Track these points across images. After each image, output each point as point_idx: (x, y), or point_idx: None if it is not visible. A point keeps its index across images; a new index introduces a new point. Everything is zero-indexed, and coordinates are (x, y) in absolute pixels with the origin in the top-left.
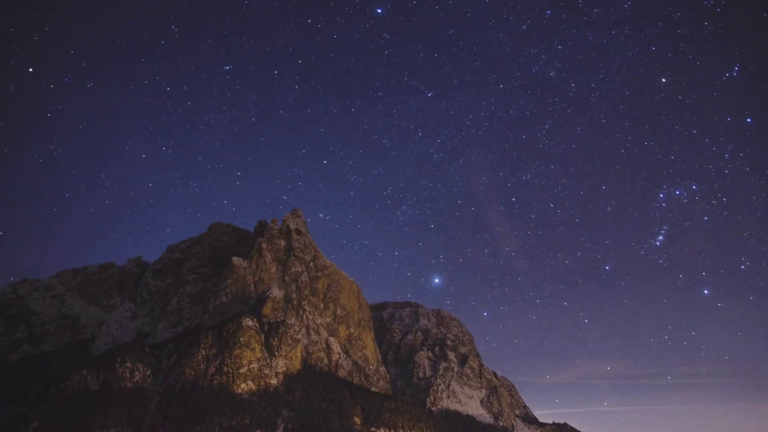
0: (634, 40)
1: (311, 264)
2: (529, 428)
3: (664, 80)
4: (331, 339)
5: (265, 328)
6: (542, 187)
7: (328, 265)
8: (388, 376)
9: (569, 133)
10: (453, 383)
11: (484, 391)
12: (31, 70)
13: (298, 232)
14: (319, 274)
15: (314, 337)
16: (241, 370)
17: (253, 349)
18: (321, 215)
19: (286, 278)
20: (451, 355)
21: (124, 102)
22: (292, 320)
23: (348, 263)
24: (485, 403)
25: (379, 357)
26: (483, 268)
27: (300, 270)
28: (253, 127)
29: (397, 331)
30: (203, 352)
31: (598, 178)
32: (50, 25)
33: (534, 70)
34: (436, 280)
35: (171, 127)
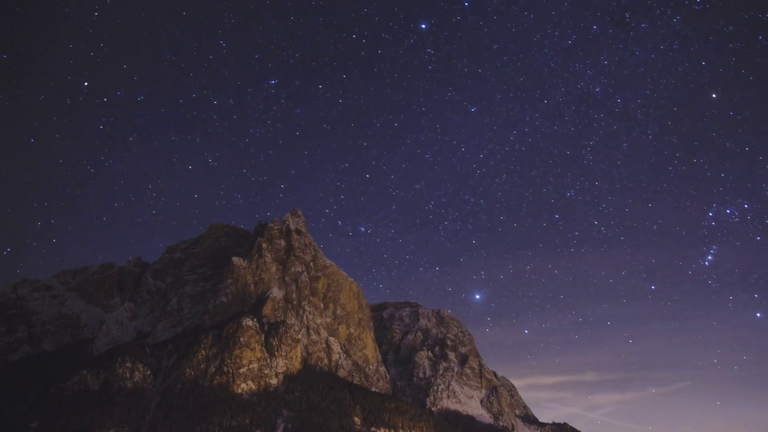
0: (683, 55)
1: (311, 264)
2: (529, 428)
3: (714, 96)
4: (331, 339)
5: (265, 328)
6: (586, 204)
7: (328, 265)
8: (388, 376)
9: (615, 149)
10: (453, 383)
11: (484, 391)
12: (86, 84)
13: (298, 232)
14: (319, 274)
15: (314, 337)
16: (241, 370)
17: (253, 349)
18: (362, 229)
19: (286, 278)
20: (451, 355)
21: (173, 115)
22: (292, 320)
23: (389, 278)
24: (485, 403)
25: (379, 357)
26: (525, 285)
27: (300, 270)
28: (298, 140)
29: (397, 331)
30: (203, 352)
31: (644, 196)
32: (105, 41)
33: (579, 86)
34: (477, 297)
35: (217, 139)
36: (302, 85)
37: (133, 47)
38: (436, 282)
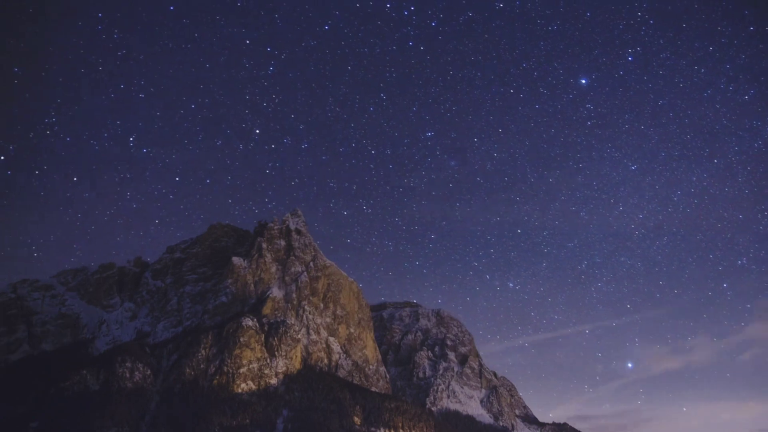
0: None
1: (311, 264)
2: (529, 428)
3: None
4: (331, 339)
5: (265, 328)
6: (761, 274)
7: (328, 265)
8: (388, 376)
9: None
10: (453, 383)
11: (484, 391)
12: (257, 131)
13: (298, 232)
14: (319, 273)
15: (314, 337)
16: (241, 370)
17: (253, 349)
18: (511, 285)
19: (286, 278)
20: (451, 355)
21: (333, 162)
22: (292, 320)
23: (535, 337)
24: (485, 403)
25: (379, 357)
26: (685, 358)
27: (300, 270)
28: (450, 192)
29: (397, 331)
30: (203, 352)
31: None
32: (277, 93)
33: (756, 144)
34: (629, 365)
35: (372, 187)
36: (458, 138)
37: (302, 98)
38: (585, 345)
